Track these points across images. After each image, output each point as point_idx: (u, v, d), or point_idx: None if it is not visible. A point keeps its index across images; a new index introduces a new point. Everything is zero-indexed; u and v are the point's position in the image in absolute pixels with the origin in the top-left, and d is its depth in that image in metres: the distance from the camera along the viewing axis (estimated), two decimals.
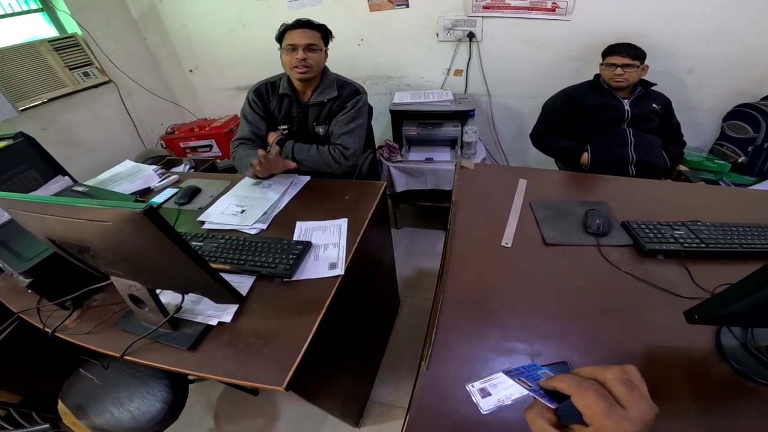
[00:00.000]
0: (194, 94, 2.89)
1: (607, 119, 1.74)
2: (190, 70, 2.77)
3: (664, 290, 0.89)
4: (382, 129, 2.55)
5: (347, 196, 1.29)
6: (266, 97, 1.57)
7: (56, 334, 0.94)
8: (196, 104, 2.92)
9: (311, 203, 1.29)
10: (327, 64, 1.56)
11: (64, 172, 1.39)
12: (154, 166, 1.60)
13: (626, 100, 1.73)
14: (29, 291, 1.02)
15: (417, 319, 1.85)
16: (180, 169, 1.91)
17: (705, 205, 1.21)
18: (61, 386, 1.17)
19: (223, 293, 0.73)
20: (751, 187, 1.91)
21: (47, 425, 0.89)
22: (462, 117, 2.04)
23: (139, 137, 2.62)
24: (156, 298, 0.83)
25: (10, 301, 1.05)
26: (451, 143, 2.16)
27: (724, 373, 0.72)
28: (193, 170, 2.06)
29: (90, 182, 1.48)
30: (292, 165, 1.38)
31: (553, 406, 0.38)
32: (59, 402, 1.14)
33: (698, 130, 2.22)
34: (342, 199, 1.28)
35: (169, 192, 1.43)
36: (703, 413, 0.66)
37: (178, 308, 0.84)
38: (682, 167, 1.86)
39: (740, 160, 2.04)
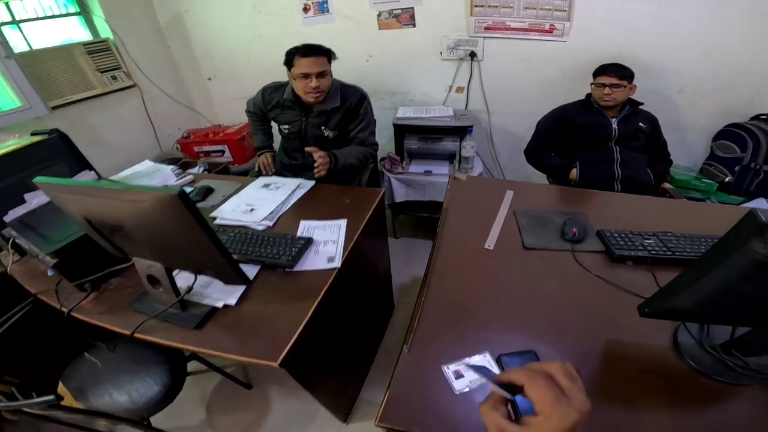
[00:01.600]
0: (211, 101, 3.04)
1: (595, 137, 1.84)
2: (209, 78, 2.92)
3: (630, 292, 0.96)
4: (384, 141, 2.66)
5: (348, 200, 1.40)
6: (267, 98, 1.77)
7: (72, 313, 1.01)
8: (212, 111, 3.08)
9: (315, 205, 1.40)
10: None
11: (91, 168, 1.52)
12: (171, 166, 1.72)
13: (614, 119, 1.82)
14: (50, 274, 1.09)
15: (408, 324, 1.92)
16: (194, 170, 2.03)
17: (680, 219, 1.28)
18: (61, 373, 1.22)
19: (233, 275, 0.83)
20: None
21: (52, 396, 0.95)
22: (461, 132, 2.15)
23: (157, 140, 2.76)
24: (171, 278, 0.93)
25: (28, 284, 1.14)
26: (450, 157, 2.27)
27: (681, 370, 0.77)
28: (206, 172, 2.18)
29: (112, 178, 1.61)
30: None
31: (509, 397, 0.42)
32: (60, 384, 1.19)
33: (688, 149, 2.31)
34: (343, 202, 1.39)
35: (185, 190, 1.54)
36: (660, 407, 0.71)
37: (190, 288, 0.94)
38: (666, 185, 1.93)
39: (727, 179, 2.10)
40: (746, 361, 0.75)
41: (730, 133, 2.12)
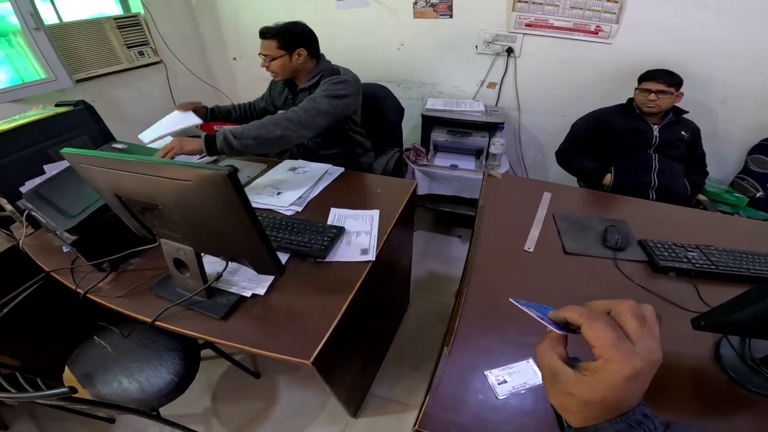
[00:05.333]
0: (234, 81, 2.99)
1: (635, 143, 1.77)
2: (234, 58, 2.87)
3: (672, 303, 0.94)
4: (410, 132, 2.61)
5: (379, 190, 1.35)
6: (274, 83, 1.74)
7: (88, 295, 0.96)
8: (235, 91, 3.02)
9: (344, 193, 1.35)
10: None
11: (115, 141, 1.48)
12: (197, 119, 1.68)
13: (656, 126, 1.75)
14: (65, 250, 1.04)
15: (424, 319, 1.89)
16: None
17: (719, 232, 1.25)
18: (67, 356, 1.17)
19: (269, 263, 0.78)
20: None
21: (67, 389, 0.86)
22: (491, 129, 2.09)
23: None
24: (200, 263, 0.88)
25: (41, 260, 1.08)
26: (477, 153, 2.21)
27: (721, 382, 0.77)
28: None
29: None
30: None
31: (562, 333, 0.37)
32: (66, 369, 1.14)
33: (721, 161, 2.23)
34: (374, 192, 1.34)
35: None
36: (699, 417, 0.71)
37: (219, 275, 0.89)
38: (701, 197, 1.88)
39: (758, 194, 2.04)
40: None
41: (766, 147, 2.05)
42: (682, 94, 1.73)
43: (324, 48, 1.63)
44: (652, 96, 1.69)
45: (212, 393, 1.59)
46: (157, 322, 0.88)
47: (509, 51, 2.22)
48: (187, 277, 0.91)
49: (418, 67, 2.47)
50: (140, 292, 0.97)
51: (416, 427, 0.69)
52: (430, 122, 2.15)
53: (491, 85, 2.39)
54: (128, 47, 2.28)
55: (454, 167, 2.12)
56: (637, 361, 0.30)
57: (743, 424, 0.70)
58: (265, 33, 1.48)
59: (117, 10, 2.34)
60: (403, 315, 1.90)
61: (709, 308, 0.90)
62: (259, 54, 1.52)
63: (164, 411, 1.17)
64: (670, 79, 1.68)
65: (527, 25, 2.13)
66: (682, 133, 1.76)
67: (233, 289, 0.94)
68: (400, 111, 1.98)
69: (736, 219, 1.71)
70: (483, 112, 2.15)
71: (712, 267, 1.02)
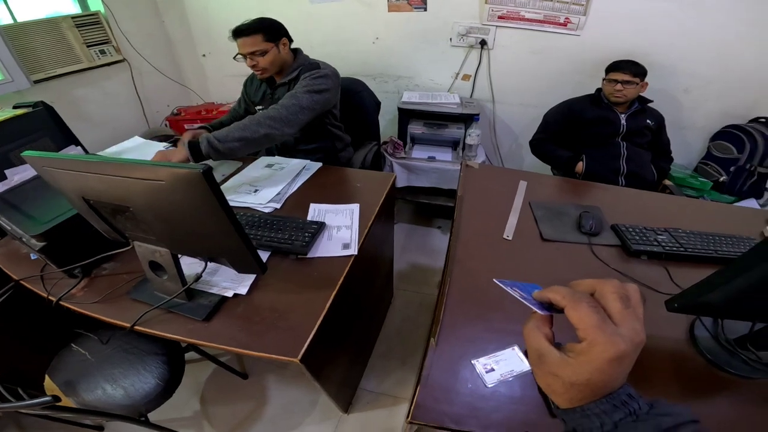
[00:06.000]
0: (204, 78, 2.90)
1: (603, 132, 1.83)
2: (203, 55, 2.79)
3: (646, 286, 0.97)
4: (387, 125, 2.61)
5: (358, 184, 1.34)
6: (250, 81, 1.70)
7: (61, 302, 0.92)
8: (205, 88, 2.94)
9: (323, 188, 1.34)
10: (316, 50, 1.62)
11: (77, 143, 1.41)
12: (164, 143, 1.62)
13: (623, 115, 1.82)
14: (33, 257, 1.00)
15: (408, 312, 1.90)
16: None
17: (686, 216, 1.31)
18: (46, 365, 1.14)
19: (251, 262, 0.76)
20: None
21: (50, 397, 0.85)
22: (467, 120, 2.12)
23: (145, 116, 2.63)
24: (178, 265, 0.86)
25: (9, 268, 1.03)
26: (453, 144, 2.24)
27: (696, 363, 0.80)
28: None
29: (100, 154, 1.50)
30: None
31: (545, 313, 0.37)
32: (46, 378, 1.10)
33: (686, 148, 2.34)
34: (353, 186, 1.34)
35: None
36: (675, 397, 0.73)
37: (199, 276, 0.86)
38: (667, 182, 1.96)
39: (722, 179, 2.15)
40: (759, 355, 0.78)
41: (728, 134, 2.16)
42: (647, 83, 1.80)
43: (297, 43, 1.60)
44: (619, 86, 1.75)
45: (201, 396, 1.56)
46: (137, 327, 0.86)
47: (483, 43, 2.25)
48: (165, 280, 0.88)
49: (393, 60, 2.47)
50: (116, 297, 0.93)
51: (409, 419, 0.69)
52: (406, 115, 2.16)
53: (466, 77, 2.41)
54: (88, 46, 2.18)
55: (431, 159, 2.14)
56: (620, 343, 0.30)
57: (722, 406, 0.72)
58: (247, 29, 1.43)
59: (75, 9, 2.24)
60: (388, 308, 1.91)
61: (680, 290, 0.92)
62: (240, 54, 1.46)
63: (153, 416, 1.14)
64: (635, 70, 1.74)
65: (500, 17, 2.16)
66: (648, 121, 1.83)
67: (214, 290, 0.91)
68: (377, 104, 1.97)
69: (701, 202, 1.80)
70: (458, 104, 2.17)
71: (681, 249, 1.07)
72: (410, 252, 2.28)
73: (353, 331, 1.32)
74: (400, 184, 2.19)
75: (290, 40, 1.53)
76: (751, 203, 2.09)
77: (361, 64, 2.48)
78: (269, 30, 1.45)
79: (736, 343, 0.81)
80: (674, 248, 1.07)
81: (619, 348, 0.30)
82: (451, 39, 2.30)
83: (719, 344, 0.82)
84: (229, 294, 0.91)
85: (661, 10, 1.97)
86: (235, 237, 0.68)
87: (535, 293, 0.37)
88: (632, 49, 2.03)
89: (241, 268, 0.83)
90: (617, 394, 0.32)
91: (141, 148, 1.59)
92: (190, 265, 0.92)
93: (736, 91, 2.12)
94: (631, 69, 1.74)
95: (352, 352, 1.41)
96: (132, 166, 0.65)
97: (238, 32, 1.43)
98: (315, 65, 1.52)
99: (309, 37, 2.38)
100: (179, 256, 0.88)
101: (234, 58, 1.48)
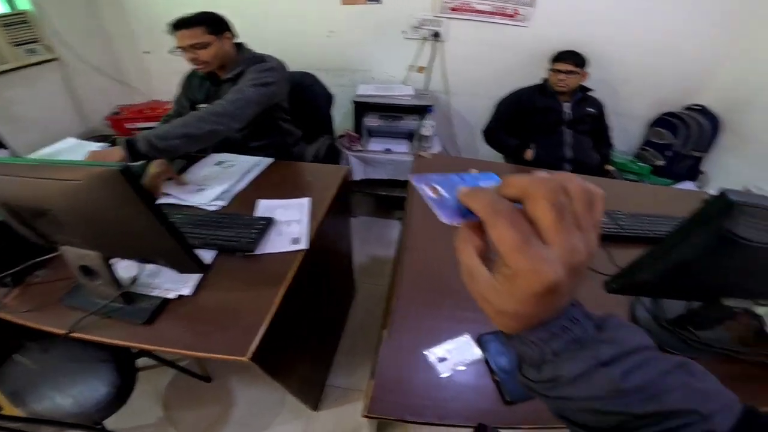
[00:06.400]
0: (149, 75, 2.75)
1: (550, 120, 1.91)
2: (146, 52, 2.64)
3: (588, 268, 1.01)
4: (343, 118, 2.59)
5: (310, 178, 1.32)
6: (191, 79, 1.61)
7: None
8: (150, 86, 2.79)
9: (274, 183, 1.31)
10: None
11: (3, 146, 1.30)
12: (100, 144, 1.51)
13: (567, 104, 1.90)
14: None
15: (372, 305, 1.90)
16: None
17: (627, 198, 1.37)
18: None
19: (188, 262, 0.73)
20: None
21: None
22: (421, 111, 2.14)
23: (82, 116, 2.46)
24: (110, 269, 0.81)
25: None
26: (409, 136, 2.26)
27: None
28: None
29: (31, 157, 1.38)
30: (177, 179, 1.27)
31: (461, 221, 0.29)
32: None
33: (626, 134, 2.48)
34: (305, 180, 1.31)
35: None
36: None
37: (134, 279, 0.83)
38: (610, 167, 2.07)
39: (660, 163, 2.30)
40: (697, 334, 0.81)
41: (664, 121, 2.31)
42: (588, 73, 1.89)
43: (250, 37, 1.55)
44: (562, 76, 1.82)
45: (163, 401, 1.50)
46: (75, 334, 0.81)
47: (436, 35, 2.27)
48: (99, 285, 0.84)
49: (349, 53, 2.45)
50: (51, 305, 0.88)
51: (364, 413, 0.69)
52: (361, 108, 2.15)
53: (420, 69, 2.43)
54: (15, 45, 2.03)
55: (388, 151, 2.15)
56: (547, 272, 0.23)
57: None
58: (188, 21, 1.36)
59: (1, 8, 2.06)
60: (351, 303, 1.91)
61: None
62: (179, 47, 1.39)
63: (114, 423, 1.11)
64: (576, 60, 1.82)
65: (452, 9, 2.19)
66: (590, 109, 1.93)
67: (155, 292, 0.87)
68: (329, 98, 1.94)
69: (641, 186, 1.92)
70: (412, 95, 2.20)
71: (621, 230, 1.11)
72: (371, 245, 2.28)
73: (313, 327, 1.30)
74: (357, 177, 2.19)
75: (233, 35, 1.48)
76: (688, 185, 2.25)
77: (315, 57, 2.44)
78: (211, 23, 1.39)
79: (676, 322, 0.83)
80: (614, 230, 1.11)
81: (545, 279, 0.23)
82: (405, 31, 2.31)
83: (659, 324, 0.84)
84: (172, 295, 0.87)
85: (601, 2, 2.07)
86: (167, 236, 0.65)
87: (460, 193, 0.28)
88: (575, 39, 2.11)
89: (180, 269, 0.79)
90: (557, 320, 0.27)
91: (75, 149, 1.48)
92: (128, 268, 0.88)
93: (671, 80, 2.27)
94: (573, 59, 1.82)
95: (314, 349, 1.39)
96: (47, 167, 0.60)
97: (179, 24, 1.36)
98: (260, 58, 1.48)
99: (261, 31, 2.28)
100: (113, 259, 0.83)
101: (170, 51, 1.41)
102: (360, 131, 2.20)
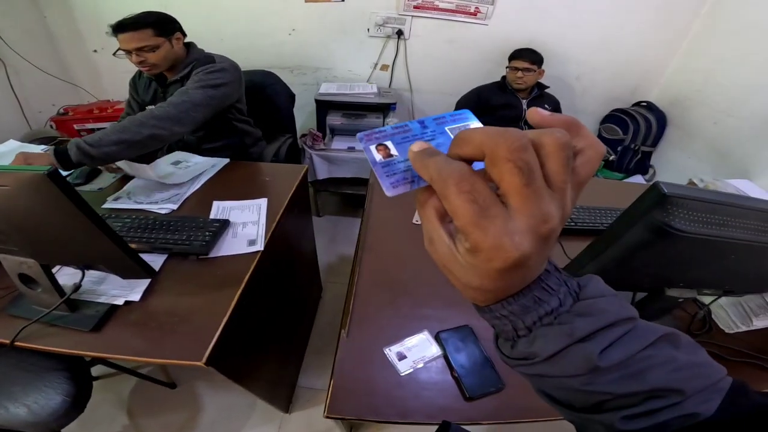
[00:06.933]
0: (98, 75, 2.62)
1: (508, 117, 1.97)
2: (95, 50, 2.52)
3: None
4: (307, 117, 2.57)
5: (267, 178, 1.30)
6: (137, 80, 1.55)
7: None
8: (99, 86, 2.66)
9: (229, 184, 1.28)
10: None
11: None
12: (43, 146, 1.43)
13: (525, 101, 1.97)
14: None
15: (340, 305, 1.87)
16: None
17: (581, 193, 1.43)
18: None
19: (132, 267, 0.71)
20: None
21: None
22: (384, 109, 2.15)
23: (24, 118, 2.32)
24: (51, 277, 0.77)
25: None
26: None
27: None
28: None
29: None
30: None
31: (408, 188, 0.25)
32: None
33: None
34: (262, 180, 1.29)
35: (63, 172, 1.30)
36: None
37: (77, 287, 0.79)
38: None
39: (611, 158, 2.42)
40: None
41: (614, 117, 2.43)
42: (543, 71, 1.96)
43: (208, 36, 1.51)
44: (520, 73, 1.89)
45: (127, 409, 1.46)
46: (18, 343, 0.78)
47: (399, 33, 2.29)
48: (40, 293, 0.80)
49: (311, 52, 2.43)
50: None
51: (325, 413, 0.68)
52: (324, 106, 2.14)
53: (384, 67, 2.44)
54: None
55: (351, 149, 2.14)
56: (510, 248, 0.20)
57: None
58: (134, 24, 1.28)
59: None
60: (318, 303, 1.90)
61: None
62: (123, 50, 1.31)
63: None
64: (533, 57, 1.88)
65: (415, 7, 2.21)
66: (546, 106, 2.00)
67: (102, 299, 0.84)
68: (291, 97, 1.92)
69: (594, 180, 2.00)
70: (376, 93, 2.20)
71: (573, 224, 1.15)
72: (338, 244, 2.28)
73: (277, 329, 1.29)
74: (321, 176, 2.17)
75: (184, 35, 1.42)
76: (638, 179, 2.37)
77: (276, 56, 2.41)
78: (160, 24, 1.32)
79: None
80: (568, 224, 1.15)
81: (508, 256, 0.20)
82: (368, 29, 2.31)
83: None
84: (120, 302, 0.84)
85: (556, 1, 2.14)
86: (105, 241, 0.62)
87: (410, 151, 0.24)
88: (532, 38, 2.18)
89: (124, 274, 0.76)
90: (529, 291, 0.25)
91: (17, 152, 1.39)
92: (74, 275, 0.84)
93: (620, 77, 2.39)
94: (529, 57, 1.88)
95: (280, 350, 1.38)
96: None
97: (122, 27, 1.28)
98: (210, 59, 1.42)
99: (219, 29, 2.26)
100: (54, 266, 0.79)
101: (114, 54, 1.33)
102: (323, 130, 2.19)
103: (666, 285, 0.76)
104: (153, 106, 1.26)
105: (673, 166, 2.34)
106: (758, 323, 0.86)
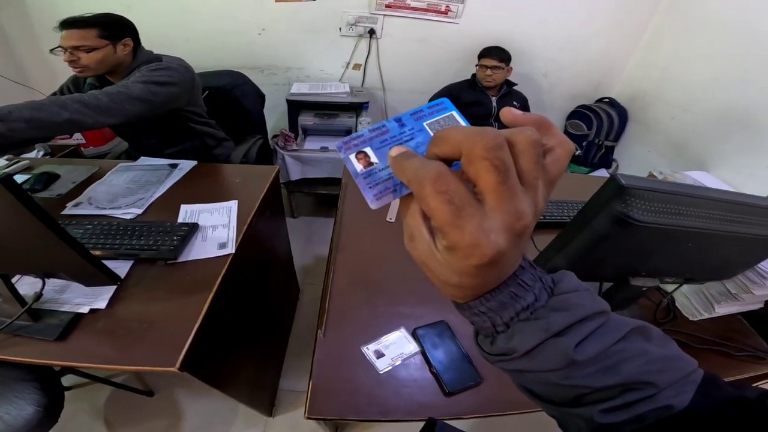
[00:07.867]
0: (54, 75, 2.47)
1: (479, 114, 2.01)
2: (51, 50, 2.38)
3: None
4: (279, 118, 2.54)
5: (237, 180, 1.28)
6: (81, 84, 1.47)
7: None
8: (56, 88, 2.53)
9: (197, 187, 1.25)
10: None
11: None
12: None
13: (494, 98, 2.02)
14: None
15: (317, 306, 1.88)
16: (31, 155, 1.65)
17: None
18: None
19: (95, 274, 0.69)
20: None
21: None
22: (357, 108, 2.16)
23: None
24: (10, 286, 0.75)
25: None
26: (346, 133, 2.25)
27: None
28: (48, 157, 1.81)
29: None
30: None
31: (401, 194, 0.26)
32: None
33: None
34: (232, 182, 1.27)
35: (19, 179, 1.24)
36: None
37: (38, 296, 0.77)
38: None
39: (577, 153, 2.51)
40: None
41: (579, 113, 2.52)
42: (512, 68, 2.01)
43: (173, 37, 1.45)
44: (489, 71, 1.93)
45: (104, 419, 1.42)
46: None
47: (371, 32, 2.29)
48: (1, 303, 0.78)
49: (282, 51, 2.39)
50: None
51: (306, 414, 0.68)
52: (296, 107, 2.13)
53: (357, 66, 2.44)
54: None
55: (324, 149, 2.13)
56: (486, 246, 0.21)
57: None
58: (81, 21, 1.22)
59: None
60: (296, 305, 1.88)
61: None
62: (61, 47, 1.24)
63: None
64: (501, 55, 1.93)
65: (387, 6, 2.22)
66: (514, 103, 2.06)
67: (65, 307, 0.82)
68: (260, 97, 1.90)
69: None
70: (348, 93, 2.20)
71: (541, 217, 1.20)
72: (314, 245, 2.27)
73: (254, 332, 1.27)
74: (294, 177, 2.15)
75: (138, 43, 1.35)
76: (602, 173, 2.47)
77: (246, 56, 2.36)
78: (110, 26, 1.25)
79: None
80: None
81: (485, 253, 0.21)
82: (340, 29, 2.30)
83: None
84: (84, 310, 0.81)
85: (525, 0, 2.19)
86: (65, 249, 0.60)
87: (389, 157, 0.24)
88: (501, 36, 2.23)
89: (87, 282, 0.74)
90: (506, 288, 0.26)
91: None
92: (34, 284, 0.81)
93: (584, 74, 2.48)
94: (497, 55, 1.93)
95: (259, 354, 1.37)
96: None
97: (68, 23, 1.22)
98: (157, 59, 1.36)
99: (185, 30, 2.18)
100: (13, 275, 0.76)
101: (51, 51, 1.27)
102: (295, 130, 2.17)
103: (630, 275, 0.79)
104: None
105: (635, 159, 2.44)
106: (720, 310, 0.87)
